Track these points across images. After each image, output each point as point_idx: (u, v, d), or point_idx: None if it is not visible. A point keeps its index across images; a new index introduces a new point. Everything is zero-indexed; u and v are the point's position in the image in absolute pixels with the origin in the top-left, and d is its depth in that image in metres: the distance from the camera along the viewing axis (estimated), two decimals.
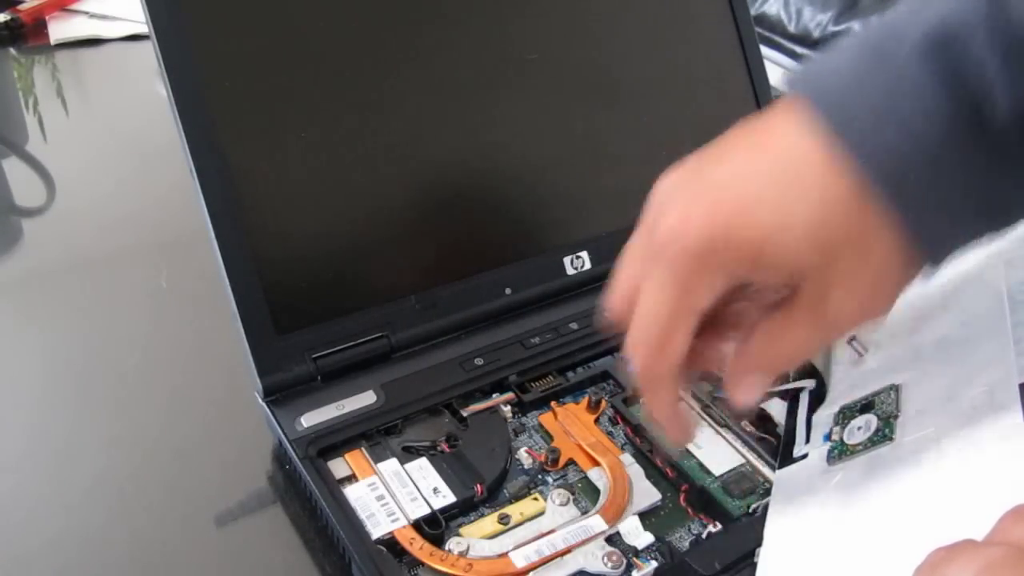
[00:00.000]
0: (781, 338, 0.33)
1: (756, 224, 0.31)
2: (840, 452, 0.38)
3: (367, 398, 0.43)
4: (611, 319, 0.35)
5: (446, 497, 0.39)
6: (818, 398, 0.42)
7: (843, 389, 0.41)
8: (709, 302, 0.32)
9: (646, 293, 0.33)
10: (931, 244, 0.31)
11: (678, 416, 0.35)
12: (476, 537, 0.38)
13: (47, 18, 0.93)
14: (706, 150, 0.34)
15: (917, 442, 0.36)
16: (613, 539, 0.38)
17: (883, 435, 0.37)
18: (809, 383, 0.43)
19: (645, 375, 0.34)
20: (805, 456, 0.39)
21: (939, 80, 0.30)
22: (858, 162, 0.30)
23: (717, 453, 0.42)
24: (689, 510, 0.39)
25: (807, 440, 0.40)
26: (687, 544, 0.38)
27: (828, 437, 0.39)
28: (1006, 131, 0.30)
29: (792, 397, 0.43)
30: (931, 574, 0.25)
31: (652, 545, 0.38)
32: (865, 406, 0.39)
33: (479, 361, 0.45)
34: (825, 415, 0.40)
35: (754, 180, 0.31)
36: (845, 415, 0.39)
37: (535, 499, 0.40)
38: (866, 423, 0.38)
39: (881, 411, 0.38)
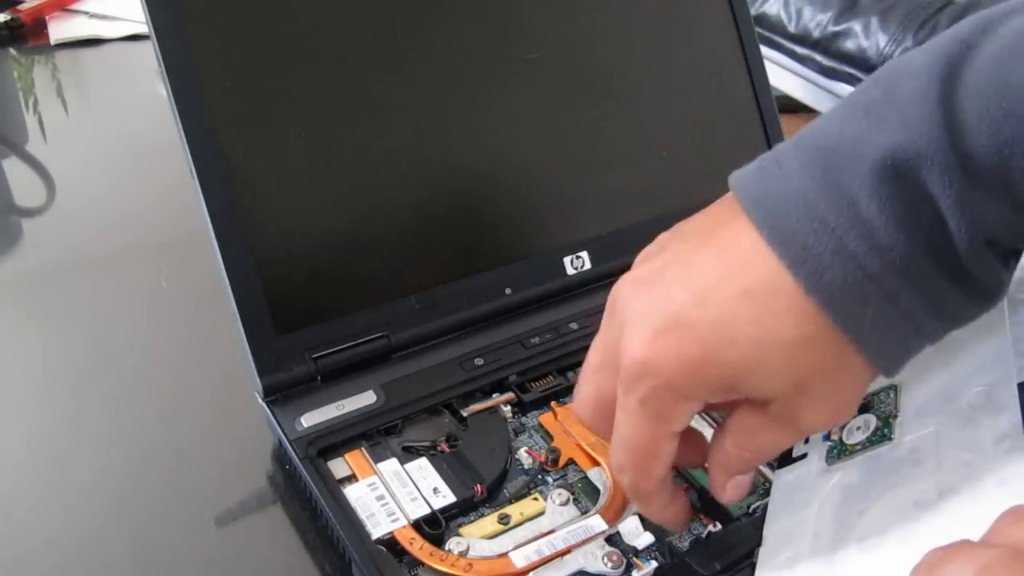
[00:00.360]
0: (753, 439, 0.33)
1: (730, 361, 0.30)
2: (839, 452, 0.38)
3: (367, 398, 0.43)
4: (584, 424, 0.36)
5: (446, 497, 0.39)
6: None
7: None
8: (687, 423, 0.33)
9: (622, 421, 0.33)
10: (891, 365, 0.32)
11: (672, 513, 0.36)
12: (476, 537, 0.38)
13: (47, 18, 0.93)
14: (663, 247, 0.33)
15: (916, 442, 0.36)
16: (613, 539, 0.38)
17: (882, 435, 0.37)
18: None
19: (633, 492, 0.35)
20: (804, 456, 0.39)
21: (891, 214, 0.29)
22: (815, 298, 0.30)
23: None
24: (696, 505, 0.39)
25: (806, 440, 0.40)
26: (687, 544, 0.38)
27: (827, 437, 0.39)
28: (962, 259, 0.30)
29: None
30: (928, 574, 0.25)
31: (652, 545, 0.38)
32: (864, 406, 0.39)
33: (479, 361, 0.45)
34: None
35: (723, 309, 0.30)
36: None
37: (535, 499, 0.40)
38: (865, 423, 0.38)
39: (880, 411, 0.38)
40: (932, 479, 0.34)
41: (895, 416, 0.37)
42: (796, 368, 0.30)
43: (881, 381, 0.39)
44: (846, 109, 0.31)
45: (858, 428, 0.38)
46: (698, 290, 0.31)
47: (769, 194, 0.31)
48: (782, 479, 0.39)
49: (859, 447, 0.37)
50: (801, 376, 0.31)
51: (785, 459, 0.40)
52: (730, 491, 0.35)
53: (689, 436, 0.35)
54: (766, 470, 0.40)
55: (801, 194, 0.30)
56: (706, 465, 0.36)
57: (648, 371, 0.31)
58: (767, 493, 0.39)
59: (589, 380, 0.35)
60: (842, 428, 0.38)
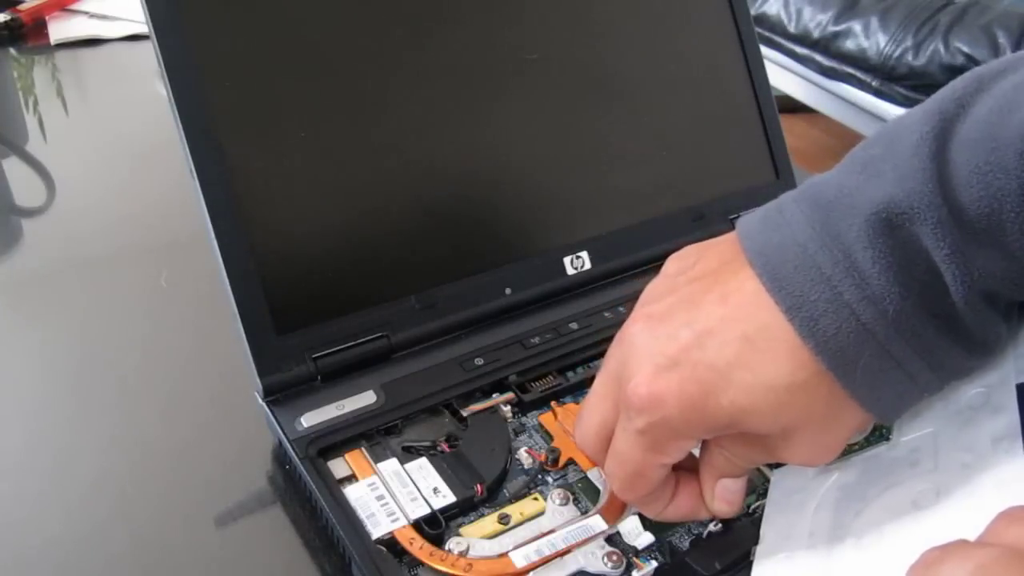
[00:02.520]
0: (738, 454, 0.35)
1: (725, 404, 0.31)
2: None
3: (367, 398, 0.43)
4: (585, 453, 0.37)
5: (446, 497, 0.39)
6: None
7: None
8: (680, 457, 0.35)
9: (619, 440, 0.34)
10: (884, 414, 0.33)
11: (672, 513, 0.37)
12: (476, 537, 0.38)
13: (47, 18, 0.93)
14: (672, 288, 0.34)
15: (914, 442, 0.36)
16: (613, 539, 0.38)
17: (880, 435, 0.37)
18: None
19: (625, 499, 0.37)
20: None
21: (884, 265, 0.30)
22: (810, 347, 0.30)
23: None
24: None
25: None
26: (687, 544, 0.38)
27: None
28: (959, 311, 0.30)
29: None
30: (924, 573, 0.25)
31: (652, 545, 0.38)
32: None
33: (479, 361, 0.46)
34: None
35: (724, 353, 0.31)
36: None
37: (535, 499, 0.40)
38: None
39: None
40: (930, 479, 0.34)
41: None
42: (788, 413, 0.31)
43: None
44: (847, 163, 0.32)
45: None
46: (701, 332, 0.32)
47: (770, 243, 0.32)
48: (780, 479, 0.39)
49: (857, 447, 0.37)
50: (792, 421, 0.32)
51: None
52: (719, 500, 0.36)
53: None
54: (765, 470, 0.40)
55: (800, 244, 0.31)
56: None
57: (648, 406, 0.32)
58: (766, 493, 0.39)
59: (593, 408, 0.36)
60: None
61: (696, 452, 0.37)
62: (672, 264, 0.36)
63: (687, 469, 0.37)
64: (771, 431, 0.32)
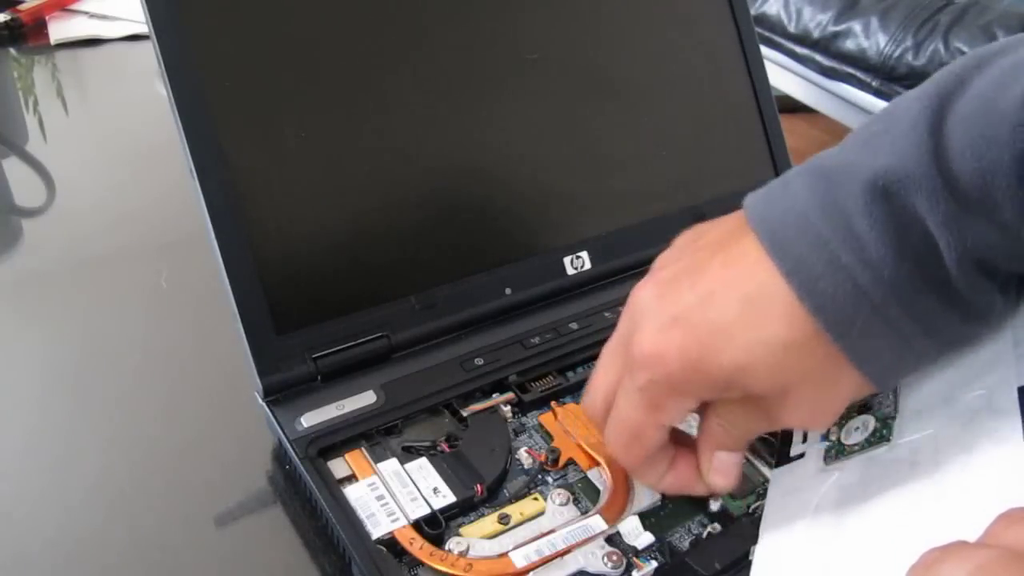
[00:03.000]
0: (735, 421, 0.35)
1: (725, 362, 0.33)
2: (837, 452, 0.38)
3: (367, 398, 0.43)
4: (589, 418, 0.38)
5: (446, 497, 0.39)
6: None
7: None
8: (679, 419, 0.36)
9: (620, 403, 0.36)
10: (880, 378, 0.33)
11: (669, 484, 0.38)
12: (476, 537, 0.38)
13: (47, 18, 0.93)
14: (680, 255, 0.36)
15: (914, 443, 0.36)
16: (613, 539, 0.38)
17: (880, 436, 0.37)
18: None
19: (622, 462, 0.38)
20: (802, 455, 0.39)
21: (881, 231, 0.31)
22: (808, 307, 0.32)
23: None
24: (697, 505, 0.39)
25: (804, 440, 0.40)
26: (687, 544, 0.38)
27: (825, 437, 0.39)
28: (957, 277, 0.31)
29: None
30: (924, 574, 0.25)
31: (652, 545, 0.38)
32: (863, 407, 0.39)
33: (479, 361, 0.46)
34: None
35: (725, 312, 0.33)
36: (843, 415, 0.39)
37: (535, 499, 0.40)
38: (863, 423, 0.38)
39: (879, 412, 0.38)
40: (930, 481, 0.34)
41: (894, 417, 0.37)
42: (786, 372, 0.32)
43: None
44: (851, 139, 0.34)
45: (856, 429, 0.38)
46: (704, 294, 0.33)
47: (774, 212, 0.33)
48: (779, 479, 0.39)
49: (857, 448, 0.37)
50: (789, 380, 0.33)
51: (783, 459, 0.40)
52: (715, 472, 0.37)
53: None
54: (765, 469, 0.40)
55: (802, 211, 0.32)
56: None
57: (651, 362, 0.34)
58: (766, 493, 0.39)
59: (601, 370, 0.37)
60: (840, 428, 0.38)
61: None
62: (682, 237, 0.38)
63: (687, 446, 0.38)
64: (769, 391, 0.33)
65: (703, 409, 0.36)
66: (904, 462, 0.35)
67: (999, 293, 0.33)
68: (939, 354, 0.34)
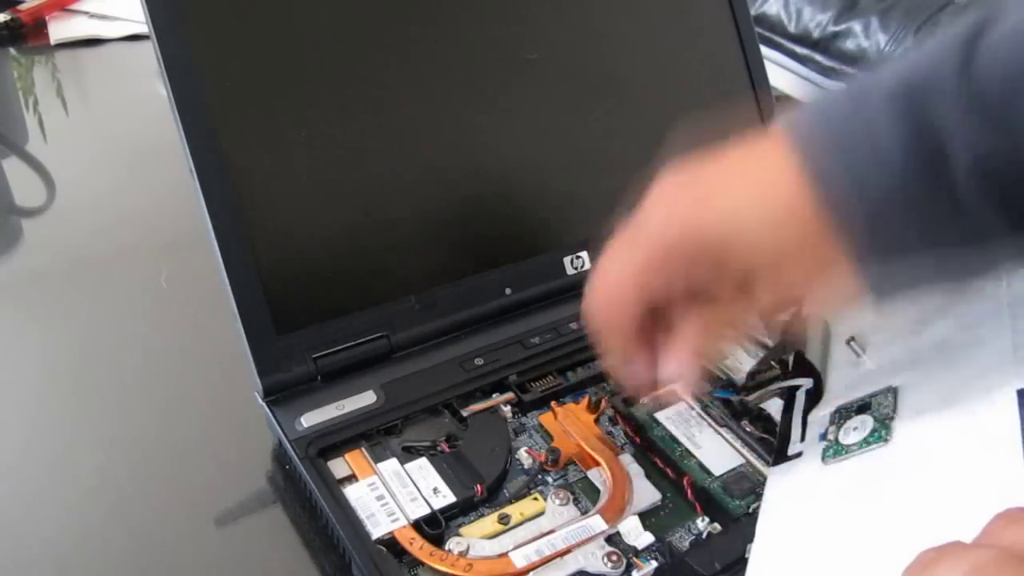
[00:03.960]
0: (719, 314, 0.36)
1: (725, 212, 0.34)
2: (835, 452, 0.38)
3: (367, 398, 0.43)
4: (591, 303, 0.37)
5: (446, 497, 0.39)
6: (814, 397, 0.42)
7: (840, 389, 0.41)
8: (661, 290, 0.35)
9: (604, 263, 0.36)
10: (876, 279, 0.34)
11: (633, 375, 0.38)
12: (476, 537, 0.38)
13: (47, 18, 0.93)
14: (708, 154, 0.36)
15: (912, 443, 0.36)
16: (613, 539, 0.38)
17: (879, 436, 0.37)
18: (806, 382, 0.43)
19: (596, 331, 0.37)
20: (799, 454, 0.39)
21: (900, 125, 0.31)
22: (819, 191, 0.32)
23: (717, 453, 0.42)
24: (698, 505, 0.39)
25: (802, 439, 0.40)
26: (687, 544, 0.38)
27: (824, 436, 0.39)
28: (962, 186, 0.32)
29: (788, 396, 0.43)
30: (920, 573, 0.25)
31: (652, 545, 0.38)
32: (862, 407, 0.39)
33: (479, 361, 0.45)
34: (821, 415, 0.40)
35: (734, 196, 0.34)
36: (841, 415, 0.39)
37: (535, 499, 0.40)
38: (862, 423, 0.38)
39: (878, 412, 0.38)
40: (927, 481, 0.34)
41: (892, 418, 0.37)
42: (781, 238, 0.33)
43: (881, 379, 0.39)
44: (893, 58, 0.35)
45: (855, 428, 0.38)
46: (715, 170, 0.35)
47: (803, 112, 0.35)
48: (777, 478, 0.39)
49: (855, 447, 0.37)
50: (783, 248, 0.33)
51: (780, 457, 0.40)
52: (673, 360, 0.36)
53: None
54: (764, 468, 0.40)
55: (826, 105, 0.34)
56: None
57: (655, 227, 0.35)
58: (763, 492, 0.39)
59: (610, 252, 0.37)
60: (839, 428, 0.38)
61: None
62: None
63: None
64: (760, 260, 0.34)
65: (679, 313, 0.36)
66: (902, 462, 0.35)
67: (1001, 217, 0.33)
68: (932, 278, 0.34)
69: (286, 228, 0.44)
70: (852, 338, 0.43)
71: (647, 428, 0.43)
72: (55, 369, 0.51)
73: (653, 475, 0.41)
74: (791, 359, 0.45)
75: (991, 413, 0.34)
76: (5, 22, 0.90)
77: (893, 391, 0.38)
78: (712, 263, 0.34)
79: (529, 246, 0.49)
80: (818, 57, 1.56)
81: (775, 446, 0.41)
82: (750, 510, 0.39)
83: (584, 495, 0.40)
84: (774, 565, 0.35)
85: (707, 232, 0.34)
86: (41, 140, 0.76)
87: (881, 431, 0.37)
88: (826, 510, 0.35)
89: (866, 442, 0.37)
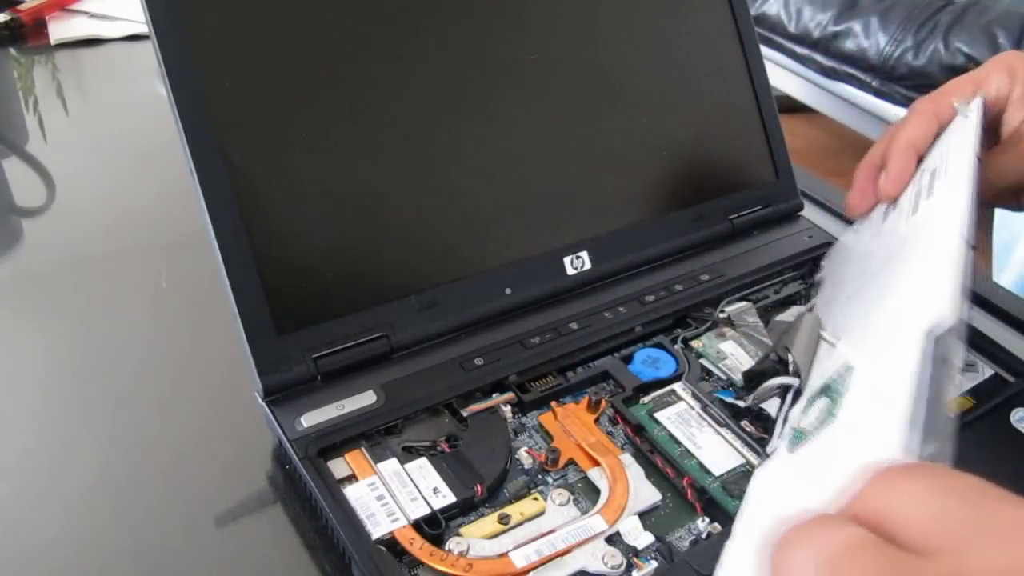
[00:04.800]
0: None
1: None
2: (797, 438, 0.37)
3: (367, 398, 0.43)
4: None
5: (446, 497, 0.39)
6: (800, 394, 0.42)
7: (813, 380, 0.42)
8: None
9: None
10: None
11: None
12: (476, 537, 0.38)
13: (47, 18, 0.93)
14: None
15: (849, 415, 0.35)
16: (613, 539, 0.38)
17: (830, 414, 0.36)
18: (795, 381, 0.43)
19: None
20: (775, 450, 0.39)
21: None
22: None
23: (717, 453, 0.42)
24: (698, 505, 0.40)
25: (781, 436, 0.40)
26: (687, 544, 0.38)
27: (792, 427, 0.39)
28: None
29: (783, 395, 0.43)
30: (779, 556, 0.23)
31: (652, 545, 0.38)
32: (823, 389, 0.39)
33: (479, 361, 0.45)
34: (796, 410, 0.41)
35: None
36: (809, 403, 0.39)
37: (535, 499, 0.40)
38: (823, 406, 0.38)
39: (835, 392, 0.38)
40: (855, 448, 0.33)
41: (842, 395, 0.37)
42: None
43: (841, 360, 0.39)
44: None
45: (816, 413, 0.37)
46: None
47: None
48: (756, 478, 0.39)
49: (812, 429, 0.37)
50: None
51: (764, 457, 0.40)
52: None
53: None
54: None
55: None
56: None
57: None
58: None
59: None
60: (804, 416, 0.38)
61: None
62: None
63: None
64: None
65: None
66: (844, 434, 0.34)
67: None
68: None
69: (286, 228, 0.44)
70: (823, 328, 0.43)
71: (647, 428, 0.43)
72: (55, 369, 0.51)
73: (653, 475, 0.41)
74: (789, 359, 0.45)
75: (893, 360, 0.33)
76: (5, 22, 0.90)
77: (849, 370, 0.38)
78: None
79: (529, 246, 0.49)
80: (818, 57, 1.56)
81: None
82: None
83: (584, 495, 0.40)
84: (739, 562, 0.34)
85: None
86: (41, 140, 0.76)
87: (833, 409, 0.36)
88: (786, 496, 0.35)
89: (819, 421, 0.36)
